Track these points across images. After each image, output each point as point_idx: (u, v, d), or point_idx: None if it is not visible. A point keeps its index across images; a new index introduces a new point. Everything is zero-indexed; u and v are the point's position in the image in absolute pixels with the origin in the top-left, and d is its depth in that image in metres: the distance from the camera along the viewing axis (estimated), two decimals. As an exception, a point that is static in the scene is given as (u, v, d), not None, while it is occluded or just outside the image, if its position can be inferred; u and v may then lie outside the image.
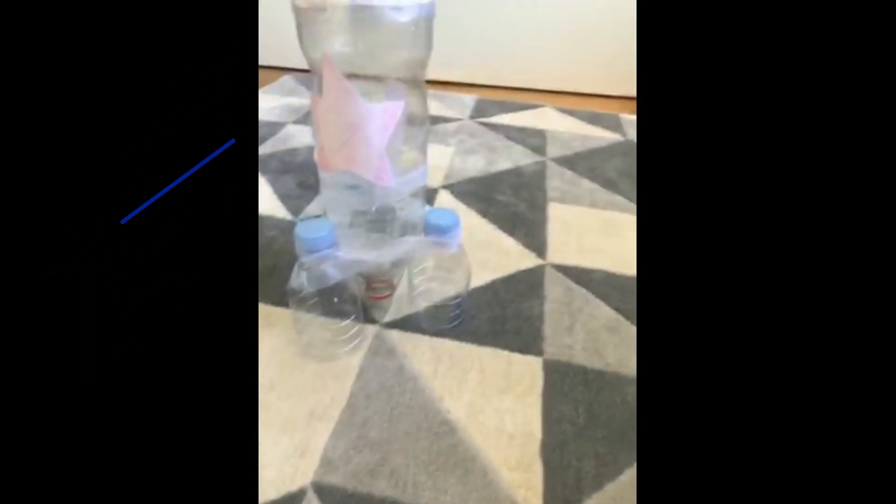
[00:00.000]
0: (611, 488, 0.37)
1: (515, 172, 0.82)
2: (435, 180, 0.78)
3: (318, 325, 0.46)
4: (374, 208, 0.42)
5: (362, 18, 0.31)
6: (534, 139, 0.95)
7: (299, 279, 0.41)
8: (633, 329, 0.52)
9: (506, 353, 0.48)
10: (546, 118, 1.06)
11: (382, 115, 0.35)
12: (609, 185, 0.80)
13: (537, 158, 0.88)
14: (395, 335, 0.49)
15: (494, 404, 0.43)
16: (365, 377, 0.45)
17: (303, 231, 0.39)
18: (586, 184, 0.80)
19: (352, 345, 0.47)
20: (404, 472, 0.37)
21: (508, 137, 0.95)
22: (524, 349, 0.49)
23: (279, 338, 0.48)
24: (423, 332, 0.50)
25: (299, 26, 0.34)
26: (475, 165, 0.84)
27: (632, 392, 0.45)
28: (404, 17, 0.31)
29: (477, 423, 0.41)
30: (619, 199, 0.76)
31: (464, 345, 0.49)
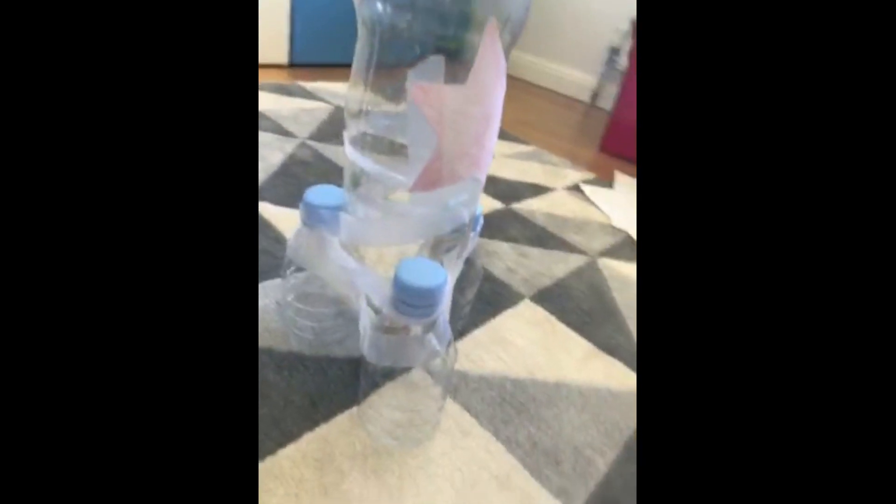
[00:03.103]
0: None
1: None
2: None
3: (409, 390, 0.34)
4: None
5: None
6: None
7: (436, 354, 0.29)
8: (503, 244, 0.65)
9: (500, 318, 0.51)
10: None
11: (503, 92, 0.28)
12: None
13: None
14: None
15: (559, 351, 0.47)
16: (493, 419, 0.38)
17: (415, 277, 0.28)
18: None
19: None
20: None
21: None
22: (509, 303, 0.53)
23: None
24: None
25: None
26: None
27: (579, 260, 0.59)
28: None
29: (571, 367, 0.45)
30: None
31: (479, 332, 0.48)
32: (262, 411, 0.34)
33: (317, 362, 0.38)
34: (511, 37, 0.25)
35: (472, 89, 0.25)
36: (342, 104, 1.01)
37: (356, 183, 0.32)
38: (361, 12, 0.26)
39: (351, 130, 0.30)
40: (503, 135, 1.12)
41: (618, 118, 1.16)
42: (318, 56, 1.25)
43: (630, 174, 1.05)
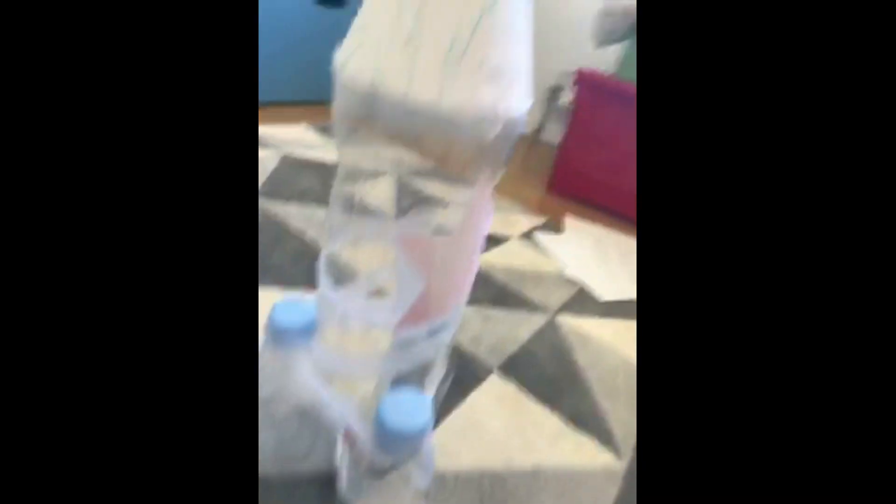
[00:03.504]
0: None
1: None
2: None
3: None
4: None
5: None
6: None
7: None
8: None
9: (471, 399, 0.50)
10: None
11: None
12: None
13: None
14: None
15: (531, 431, 0.47)
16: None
17: (396, 416, 0.27)
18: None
19: None
20: None
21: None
22: (478, 379, 0.52)
23: None
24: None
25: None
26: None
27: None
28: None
29: (544, 448, 0.45)
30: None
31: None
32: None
33: (281, 484, 0.36)
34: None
35: (461, 238, 0.24)
36: (291, 151, 0.97)
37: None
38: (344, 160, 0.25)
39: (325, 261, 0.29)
40: (455, 178, 1.12)
41: (565, 159, 1.21)
42: (262, 94, 1.20)
43: (580, 216, 1.09)
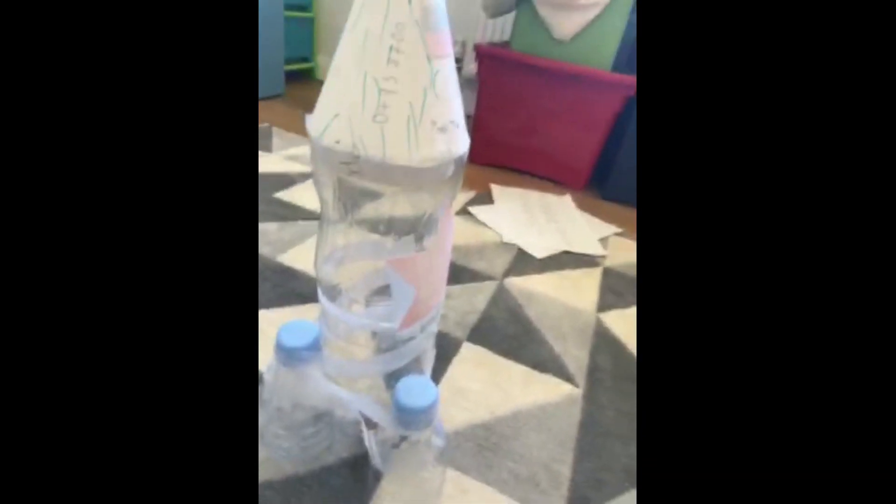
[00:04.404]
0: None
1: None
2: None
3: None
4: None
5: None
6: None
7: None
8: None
9: (451, 369, 0.58)
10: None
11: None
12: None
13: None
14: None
15: (506, 383, 0.56)
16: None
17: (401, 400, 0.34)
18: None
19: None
20: (555, 452, 0.48)
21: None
22: (453, 350, 0.60)
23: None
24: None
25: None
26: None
27: (498, 311, 0.68)
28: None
29: (518, 394, 0.54)
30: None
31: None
32: (289, 546, 0.36)
33: (316, 477, 0.41)
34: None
35: (435, 247, 0.31)
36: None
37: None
38: (323, 181, 0.30)
39: (323, 283, 0.34)
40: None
41: (479, 130, 1.28)
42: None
43: (502, 183, 1.18)
